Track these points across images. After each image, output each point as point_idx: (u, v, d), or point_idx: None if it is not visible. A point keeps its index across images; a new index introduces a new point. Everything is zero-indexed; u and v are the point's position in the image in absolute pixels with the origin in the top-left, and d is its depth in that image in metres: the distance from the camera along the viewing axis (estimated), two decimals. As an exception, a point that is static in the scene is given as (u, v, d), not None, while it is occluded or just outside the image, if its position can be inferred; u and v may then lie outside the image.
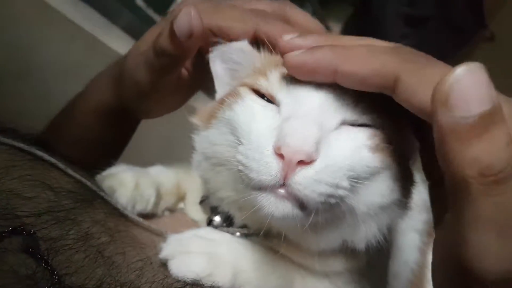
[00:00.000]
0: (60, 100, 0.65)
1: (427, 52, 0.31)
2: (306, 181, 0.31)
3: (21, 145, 0.37)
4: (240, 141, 0.36)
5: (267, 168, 0.32)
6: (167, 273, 0.36)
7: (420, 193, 0.41)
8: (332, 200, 0.33)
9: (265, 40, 0.41)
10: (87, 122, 0.59)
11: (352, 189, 0.34)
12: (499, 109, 0.23)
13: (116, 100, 0.55)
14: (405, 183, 0.38)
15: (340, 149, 0.33)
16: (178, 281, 0.35)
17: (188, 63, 0.50)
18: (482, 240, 0.24)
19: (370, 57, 0.31)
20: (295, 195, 0.32)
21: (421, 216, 0.56)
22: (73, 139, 0.60)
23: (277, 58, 0.40)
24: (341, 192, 0.33)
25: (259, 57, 0.42)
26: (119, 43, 1.07)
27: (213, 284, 0.36)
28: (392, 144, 0.36)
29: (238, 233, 0.42)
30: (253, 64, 0.42)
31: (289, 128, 0.32)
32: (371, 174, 0.35)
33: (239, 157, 0.34)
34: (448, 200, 0.26)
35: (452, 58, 1.73)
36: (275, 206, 0.33)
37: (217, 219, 0.44)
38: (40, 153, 0.38)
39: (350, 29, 1.74)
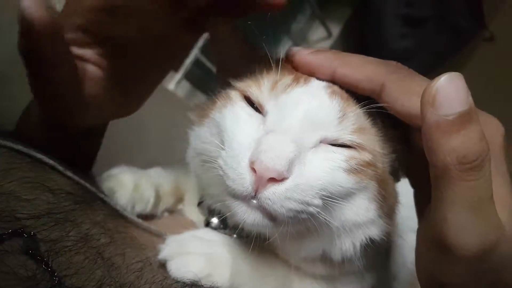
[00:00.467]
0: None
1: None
2: (275, 197, 0.33)
3: (20, 147, 0.37)
4: (223, 146, 0.36)
5: (241, 179, 0.33)
6: (166, 274, 0.36)
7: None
8: (303, 215, 0.34)
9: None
10: (37, 132, 0.48)
11: (326, 206, 0.35)
12: (475, 110, 0.28)
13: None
14: (388, 203, 0.39)
15: (314, 169, 0.34)
16: (177, 281, 0.35)
17: (96, 58, 0.41)
18: (459, 218, 0.28)
19: (363, 65, 0.37)
20: (265, 208, 0.33)
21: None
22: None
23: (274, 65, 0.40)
24: (311, 209, 0.34)
25: (259, 60, 0.42)
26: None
27: (212, 285, 0.37)
28: (375, 166, 0.37)
29: (235, 235, 0.42)
30: (252, 66, 0.42)
31: (266, 144, 0.33)
32: (346, 194, 0.36)
33: (220, 162, 0.36)
34: (431, 188, 0.30)
35: (452, 58, 1.73)
36: (247, 215, 0.34)
37: (214, 220, 0.44)
38: (39, 155, 0.38)
39: (350, 30, 1.74)
